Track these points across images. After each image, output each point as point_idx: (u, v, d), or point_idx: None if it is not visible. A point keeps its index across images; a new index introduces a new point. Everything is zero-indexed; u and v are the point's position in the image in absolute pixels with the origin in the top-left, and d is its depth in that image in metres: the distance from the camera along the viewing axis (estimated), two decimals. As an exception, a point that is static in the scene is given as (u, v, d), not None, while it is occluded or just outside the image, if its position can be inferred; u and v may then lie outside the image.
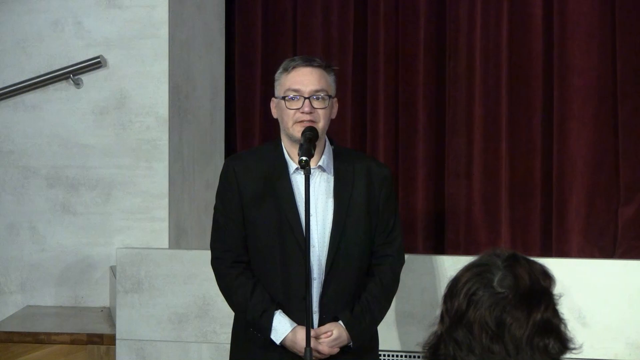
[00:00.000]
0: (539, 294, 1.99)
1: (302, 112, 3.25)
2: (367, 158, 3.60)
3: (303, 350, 3.14)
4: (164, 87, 5.04)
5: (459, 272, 2.03)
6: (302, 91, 3.27)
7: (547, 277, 2.02)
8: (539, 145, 5.15)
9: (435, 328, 2.04)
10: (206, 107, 5.41)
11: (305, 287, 3.14)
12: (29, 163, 5.15)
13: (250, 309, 3.26)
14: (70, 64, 5.08)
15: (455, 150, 5.26)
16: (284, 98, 3.29)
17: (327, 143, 3.37)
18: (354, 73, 5.46)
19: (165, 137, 5.04)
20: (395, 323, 4.23)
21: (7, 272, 5.18)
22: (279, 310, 3.26)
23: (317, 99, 3.27)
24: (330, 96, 3.31)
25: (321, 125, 3.27)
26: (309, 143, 3.18)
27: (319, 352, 3.23)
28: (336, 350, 3.27)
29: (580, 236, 5.03)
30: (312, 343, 3.16)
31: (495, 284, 1.99)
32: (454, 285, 2.01)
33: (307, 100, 3.25)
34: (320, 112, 3.27)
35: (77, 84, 5.09)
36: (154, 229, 5.02)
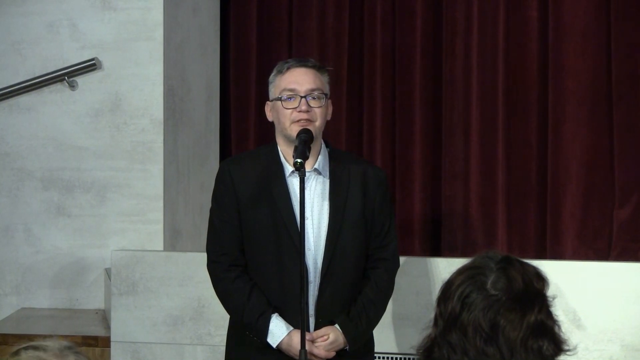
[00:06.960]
0: (533, 296, 1.99)
1: (299, 111, 3.24)
2: (363, 161, 3.59)
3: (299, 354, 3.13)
4: (158, 89, 5.03)
5: (452, 275, 2.02)
6: (298, 90, 3.26)
7: (540, 279, 2.02)
8: (535, 147, 5.15)
9: (429, 331, 2.03)
10: (201, 109, 5.40)
11: (300, 290, 3.13)
12: (23, 165, 5.14)
13: (247, 312, 3.25)
14: (65, 66, 5.08)
15: (452, 152, 5.25)
16: (279, 99, 3.28)
17: (323, 146, 3.36)
18: (350, 75, 5.45)
19: (160, 139, 5.03)
20: (390, 325, 4.23)
21: (1, 274, 5.17)
22: (276, 314, 3.25)
23: (314, 98, 3.27)
24: (325, 95, 3.30)
25: (318, 124, 3.27)
26: (303, 145, 3.17)
27: (315, 355, 3.22)
28: (332, 353, 3.27)
29: (575, 238, 5.03)
30: (309, 347, 3.15)
31: (488, 286, 1.99)
32: (447, 288, 2.01)
33: (303, 99, 3.25)
34: (317, 110, 3.27)
35: (72, 86, 5.08)
36: (149, 231, 5.01)
